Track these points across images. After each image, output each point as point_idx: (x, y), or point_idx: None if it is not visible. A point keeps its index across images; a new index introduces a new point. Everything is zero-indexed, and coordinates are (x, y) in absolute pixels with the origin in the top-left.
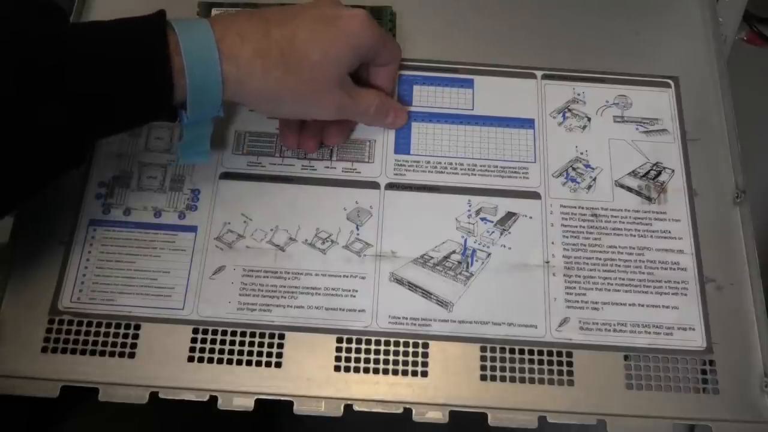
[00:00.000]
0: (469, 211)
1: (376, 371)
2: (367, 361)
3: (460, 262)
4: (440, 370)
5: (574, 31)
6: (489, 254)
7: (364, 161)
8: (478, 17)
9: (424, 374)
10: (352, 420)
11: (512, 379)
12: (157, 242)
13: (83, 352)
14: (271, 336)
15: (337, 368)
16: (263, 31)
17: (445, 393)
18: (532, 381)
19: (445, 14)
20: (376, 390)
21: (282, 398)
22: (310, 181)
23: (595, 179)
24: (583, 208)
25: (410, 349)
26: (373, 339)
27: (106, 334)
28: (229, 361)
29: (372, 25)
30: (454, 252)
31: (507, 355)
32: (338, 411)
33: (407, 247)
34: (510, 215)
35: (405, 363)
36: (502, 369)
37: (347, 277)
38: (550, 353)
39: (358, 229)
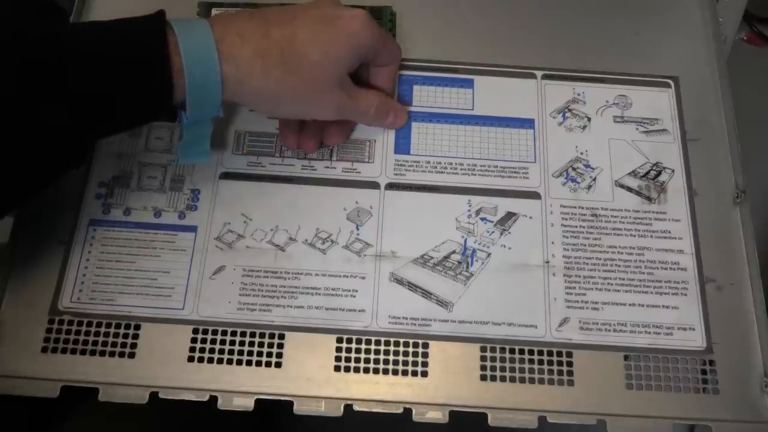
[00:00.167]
0: (469, 211)
1: (376, 371)
2: (367, 361)
3: (460, 262)
4: (440, 370)
5: (574, 31)
6: (489, 254)
7: (364, 161)
8: (478, 17)
9: (424, 374)
10: (352, 420)
11: (512, 379)
12: (157, 242)
13: (83, 352)
14: (271, 336)
15: (337, 368)
16: (263, 31)
17: (445, 393)
18: (532, 381)
19: (445, 14)
20: (376, 390)
21: (282, 398)
22: (310, 181)
23: (595, 179)
24: (583, 208)
25: (410, 349)
26: (373, 339)
27: (106, 334)
28: (229, 361)
29: (372, 26)
30: (454, 252)
31: (507, 355)
32: (338, 411)
33: (407, 247)
34: (510, 215)
35: (405, 363)
36: (502, 369)
37: (347, 277)
38: (550, 353)
39: (358, 229)
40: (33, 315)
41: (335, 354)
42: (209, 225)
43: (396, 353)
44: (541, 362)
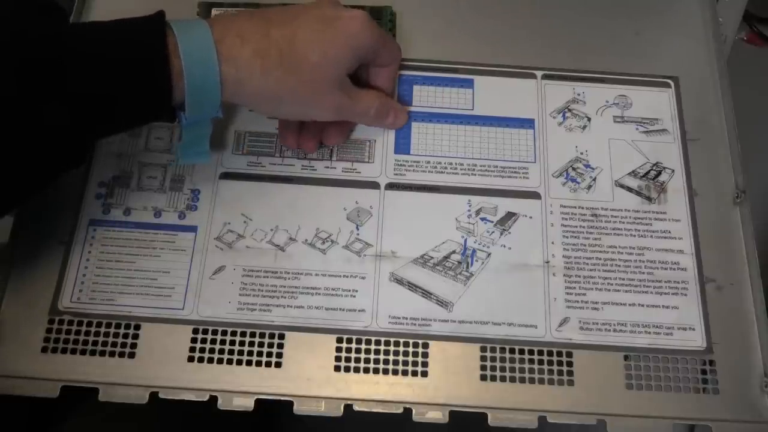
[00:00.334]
0: (469, 211)
1: (376, 371)
2: (367, 361)
3: (460, 262)
4: (440, 370)
5: (574, 31)
6: (489, 254)
7: (364, 161)
8: (478, 17)
9: (424, 374)
10: (352, 420)
11: (512, 379)
12: (157, 242)
13: (83, 352)
14: (271, 336)
15: (337, 368)
16: (263, 32)
17: (445, 393)
18: (532, 381)
19: (445, 14)
20: (376, 390)
21: (282, 398)
22: (310, 181)
23: (595, 179)
24: (583, 208)
25: (410, 349)
26: (373, 339)
27: (106, 334)
28: (229, 361)
29: (371, 26)
30: (454, 252)
31: (507, 355)
32: (338, 411)
33: (407, 247)
34: (510, 215)
35: (405, 363)
36: (502, 369)
37: (347, 277)
38: (550, 353)
39: (358, 229)
40: (33, 315)
41: (335, 354)
42: (209, 225)
43: (396, 353)
44: (541, 362)
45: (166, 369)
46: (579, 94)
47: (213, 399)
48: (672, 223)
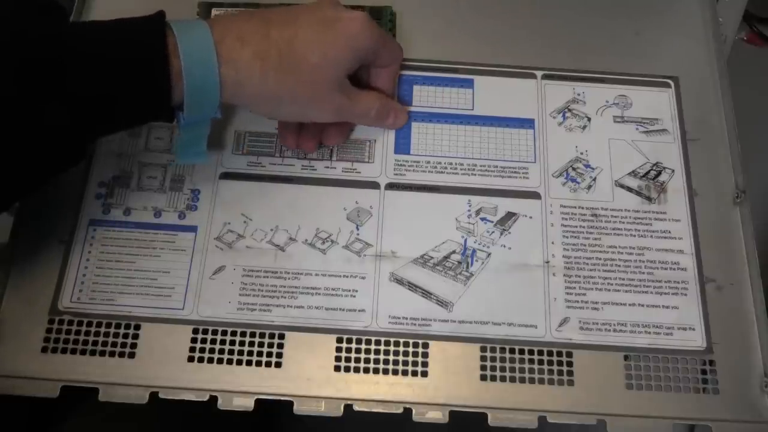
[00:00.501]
0: (469, 211)
1: (376, 371)
2: (367, 361)
3: (460, 262)
4: (440, 370)
5: (574, 31)
6: (489, 254)
7: (364, 161)
8: (478, 17)
9: (424, 374)
10: (352, 420)
11: (512, 379)
12: (157, 242)
13: (83, 352)
14: (271, 336)
15: (337, 368)
16: (263, 34)
17: (445, 393)
18: (532, 381)
19: (445, 14)
20: (376, 390)
21: (282, 398)
22: (310, 181)
23: (595, 179)
24: (583, 208)
25: (410, 349)
26: (373, 339)
27: (106, 334)
28: (229, 361)
29: (371, 28)
30: (454, 252)
31: (507, 355)
32: (338, 411)
33: (407, 247)
34: (510, 215)
35: (405, 363)
36: (502, 369)
37: (347, 277)
38: (550, 353)
39: (358, 229)
40: (33, 315)
41: (335, 354)
42: (209, 225)
43: (396, 353)
44: (541, 362)
45: (166, 369)
46: (579, 94)
47: (213, 399)
48: (672, 223)
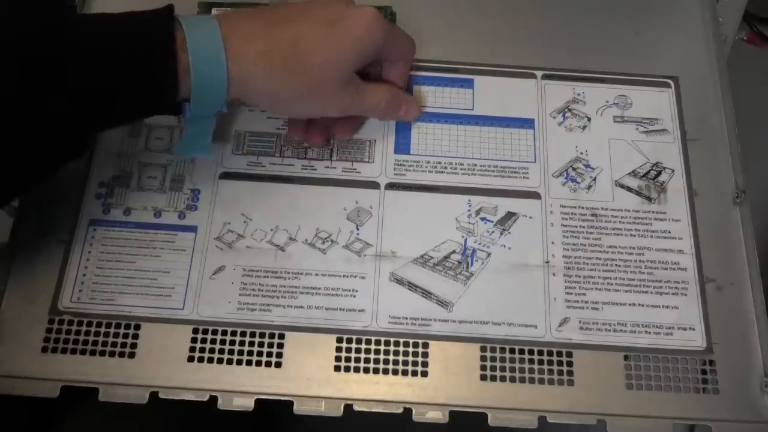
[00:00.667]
0: (469, 211)
1: (376, 371)
2: (367, 361)
3: (460, 262)
4: (440, 370)
5: (574, 31)
6: (489, 254)
7: (364, 161)
8: (478, 17)
9: (424, 374)
10: (352, 420)
11: (512, 379)
12: (157, 242)
13: (83, 352)
14: (271, 336)
15: (337, 368)
16: (268, 33)
17: (445, 393)
18: (532, 381)
19: (445, 14)
20: (376, 390)
21: (282, 398)
22: (310, 181)
23: (595, 179)
24: (583, 208)
25: (410, 349)
26: (373, 339)
27: (106, 334)
28: (229, 361)
29: (379, 26)
30: (454, 252)
31: (507, 355)
32: (338, 411)
33: (407, 247)
34: (510, 215)
35: (405, 363)
36: (502, 369)
37: (347, 277)
38: (550, 353)
39: (358, 229)
40: (33, 315)
41: (335, 354)
42: (209, 225)
43: (396, 353)
44: (541, 362)
45: (166, 369)
46: (579, 94)
47: (213, 399)
48: (672, 223)
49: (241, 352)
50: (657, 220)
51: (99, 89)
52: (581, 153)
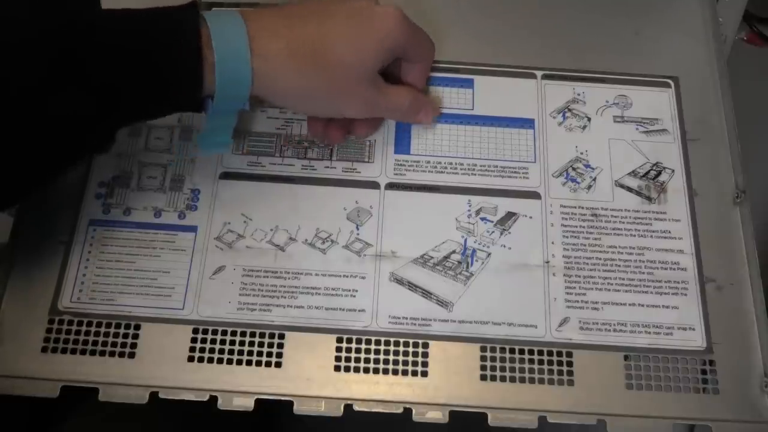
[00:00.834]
0: (469, 211)
1: (376, 371)
2: (367, 361)
3: (460, 262)
4: (440, 370)
5: (574, 30)
6: (489, 254)
7: (364, 161)
8: (478, 17)
9: (424, 374)
10: (352, 420)
11: (512, 379)
12: (157, 242)
13: (83, 352)
14: (271, 336)
15: (337, 368)
16: (293, 29)
17: (445, 393)
18: (532, 381)
19: (445, 14)
20: (376, 390)
21: (282, 398)
22: (310, 181)
23: (595, 179)
24: (583, 208)
25: (410, 349)
26: (373, 339)
27: (106, 334)
28: (229, 361)
29: (405, 24)
30: (454, 252)
31: (507, 355)
32: (338, 411)
33: (407, 247)
34: (510, 215)
35: (405, 363)
36: (502, 369)
37: (347, 277)
38: (550, 353)
39: (358, 229)
40: (33, 315)
41: (335, 354)
42: (209, 225)
43: (396, 353)
44: (541, 362)
45: (166, 369)
46: (579, 94)
47: (213, 399)
48: (672, 223)
49: (241, 352)
50: (657, 220)
51: (123, 85)
52: (581, 153)
